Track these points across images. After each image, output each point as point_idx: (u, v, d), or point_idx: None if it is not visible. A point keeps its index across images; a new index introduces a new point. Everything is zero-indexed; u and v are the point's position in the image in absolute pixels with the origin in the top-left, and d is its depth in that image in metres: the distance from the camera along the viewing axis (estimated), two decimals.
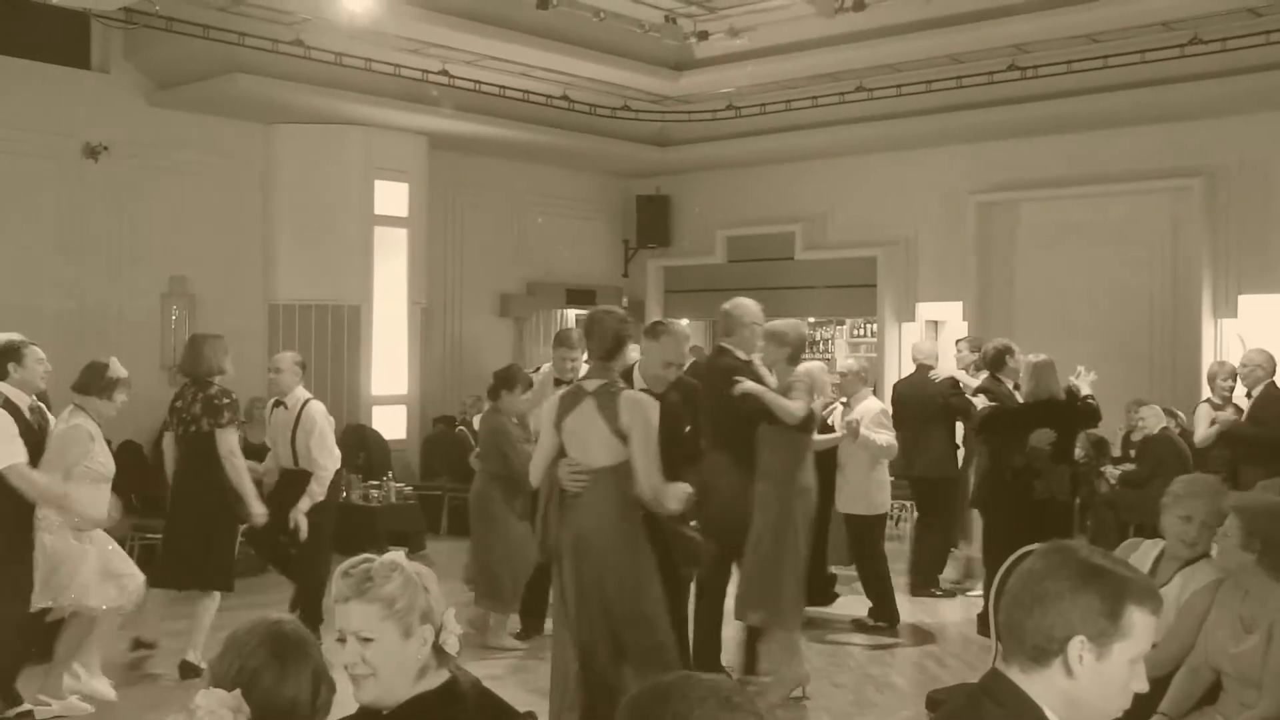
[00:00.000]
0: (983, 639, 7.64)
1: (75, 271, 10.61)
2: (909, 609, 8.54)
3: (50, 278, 10.43)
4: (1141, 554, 4.50)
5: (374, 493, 10.59)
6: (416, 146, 12.51)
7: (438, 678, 2.58)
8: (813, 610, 7.73)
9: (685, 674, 1.90)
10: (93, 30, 10.76)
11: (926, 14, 10.09)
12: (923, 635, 8.07)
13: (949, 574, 9.46)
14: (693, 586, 6.22)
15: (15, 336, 6.12)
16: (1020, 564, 2.23)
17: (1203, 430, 8.60)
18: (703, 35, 11.02)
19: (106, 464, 6.21)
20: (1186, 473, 6.17)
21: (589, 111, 12.89)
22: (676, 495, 5.02)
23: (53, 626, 6.19)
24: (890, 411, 8.70)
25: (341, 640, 2.55)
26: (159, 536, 8.73)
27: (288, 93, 10.87)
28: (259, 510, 7.01)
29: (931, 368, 9.45)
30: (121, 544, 8.70)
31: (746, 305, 6.59)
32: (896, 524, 10.70)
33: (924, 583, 9.13)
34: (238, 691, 2.31)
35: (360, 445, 11.46)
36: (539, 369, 8.38)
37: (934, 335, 12.71)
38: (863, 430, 7.95)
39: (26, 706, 5.96)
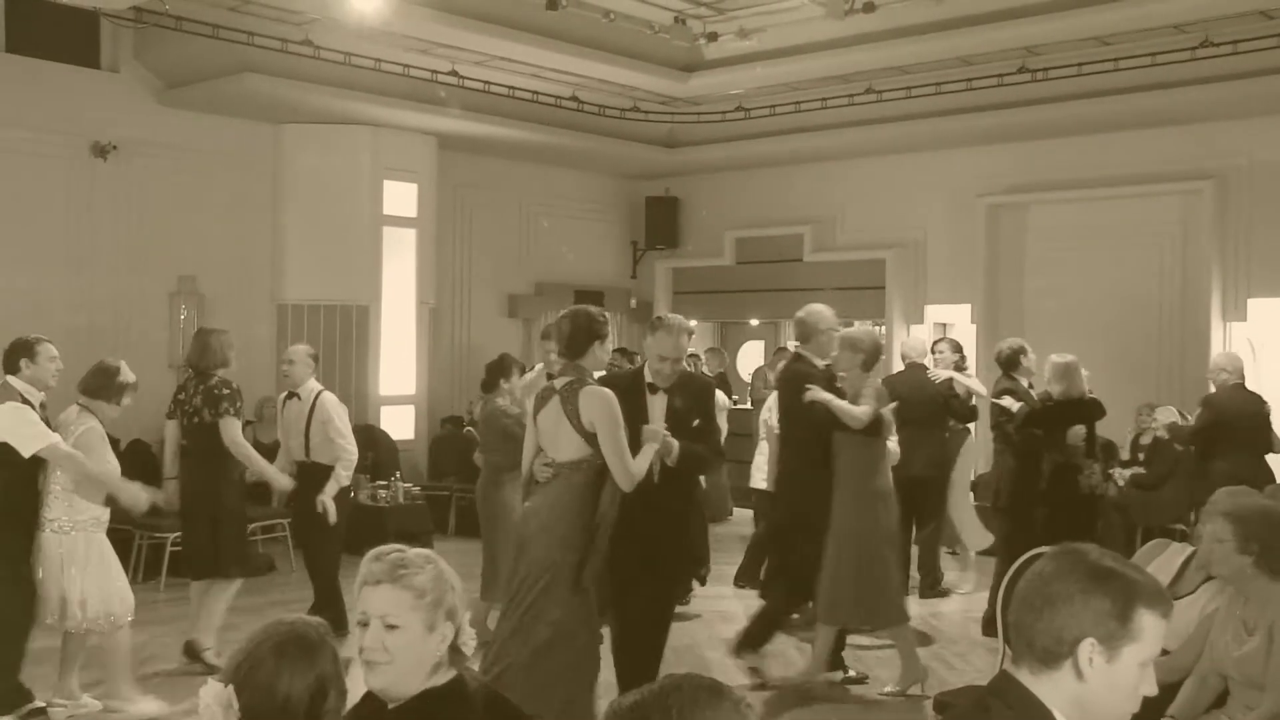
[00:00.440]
0: (988, 640, 7.64)
1: (84, 271, 10.61)
2: (913, 609, 8.51)
3: (59, 277, 10.42)
4: (1168, 556, 4.48)
5: (382, 493, 10.61)
6: (425, 147, 12.51)
7: (446, 676, 2.57)
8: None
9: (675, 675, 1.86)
10: (102, 29, 10.77)
11: (936, 16, 10.06)
12: (927, 636, 8.04)
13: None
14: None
15: (31, 334, 6.14)
16: (1029, 566, 2.22)
17: None
18: (712, 36, 11.00)
19: (113, 466, 6.21)
20: None
21: (598, 112, 12.89)
22: (644, 458, 5.05)
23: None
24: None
25: (363, 624, 2.53)
26: (166, 536, 8.79)
27: (297, 92, 10.87)
28: (283, 481, 7.19)
29: (924, 366, 9.41)
30: (129, 542, 8.79)
31: (821, 311, 6.71)
32: None
33: (932, 584, 9.15)
34: (231, 686, 2.29)
35: (368, 445, 11.42)
36: (535, 367, 8.50)
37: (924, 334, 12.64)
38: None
39: (40, 704, 5.96)
